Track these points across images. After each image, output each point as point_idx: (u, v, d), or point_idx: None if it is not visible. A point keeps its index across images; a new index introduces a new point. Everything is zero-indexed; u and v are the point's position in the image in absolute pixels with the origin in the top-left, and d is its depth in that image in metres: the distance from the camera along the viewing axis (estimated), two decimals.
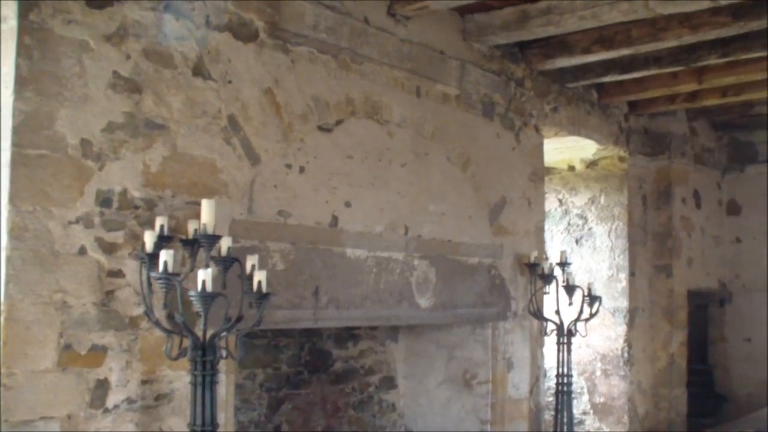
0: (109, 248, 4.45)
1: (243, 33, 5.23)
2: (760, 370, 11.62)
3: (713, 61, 7.96)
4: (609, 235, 10.03)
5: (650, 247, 10.43)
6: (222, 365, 4.75)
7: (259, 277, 4.62)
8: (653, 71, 8.33)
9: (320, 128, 5.75)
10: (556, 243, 10.17)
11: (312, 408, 7.08)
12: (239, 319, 4.56)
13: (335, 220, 5.81)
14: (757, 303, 11.76)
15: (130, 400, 4.53)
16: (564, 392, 8.07)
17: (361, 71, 6.11)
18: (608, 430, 9.99)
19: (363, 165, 6.07)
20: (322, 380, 7.17)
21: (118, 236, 4.49)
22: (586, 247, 10.15)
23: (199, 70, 4.94)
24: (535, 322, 7.92)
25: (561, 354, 8.02)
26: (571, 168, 10.21)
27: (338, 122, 5.89)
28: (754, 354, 11.73)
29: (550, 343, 8.16)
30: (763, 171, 11.82)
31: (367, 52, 6.13)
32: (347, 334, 7.38)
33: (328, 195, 5.77)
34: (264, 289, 4.61)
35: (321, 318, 5.74)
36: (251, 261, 4.71)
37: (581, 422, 10.09)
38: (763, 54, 7.78)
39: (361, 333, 7.50)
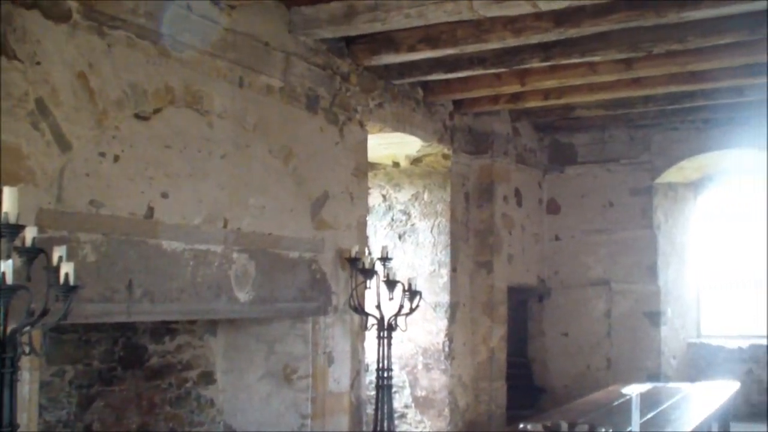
0: None
1: (54, 12, 4.97)
2: (577, 363, 12.11)
3: (535, 64, 8.21)
4: (432, 231, 10.19)
5: (472, 243, 10.66)
6: (25, 362, 4.52)
7: (67, 269, 4.40)
8: (478, 71, 8.51)
9: (137, 116, 5.56)
10: (379, 238, 10.25)
11: (126, 405, 6.85)
12: (44, 313, 4.32)
13: (151, 211, 5.63)
14: (573, 299, 12.24)
15: None
16: (384, 386, 8.12)
17: (182, 59, 5.95)
18: (430, 423, 10.14)
19: (181, 155, 5.91)
20: (137, 376, 6.95)
21: None
22: (409, 243, 10.28)
23: (2, 49, 4.65)
24: (356, 317, 7.94)
25: (381, 348, 8.07)
26: (396, 164, 10.31)
27: (156, 110, 5.71)
28: (571, 348, 12.20)
29: (371, 337, 8.19)
30: (582, 172, 12.32)
31: (189, 40, 6.00)
32: (164, 329, 7.19)
33: (144, 185, 5.59)
34: (72, 281, 4.40)
35: (135, 312, 5.58)
36: (58, 252, 4.48)
37: (403, 416, 10.21)
38: (582, 60, 8.08)
39: (179, 327, 7.32)
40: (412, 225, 10.31)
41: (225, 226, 6.31)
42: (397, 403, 10.01)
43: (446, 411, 10.11)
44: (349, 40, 7.79)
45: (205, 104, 6.15)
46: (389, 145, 9.71)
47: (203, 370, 7.61)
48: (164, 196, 5.75)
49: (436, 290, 10.13)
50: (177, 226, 5.85)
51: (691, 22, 7.19)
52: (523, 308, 12.45)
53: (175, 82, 5.88)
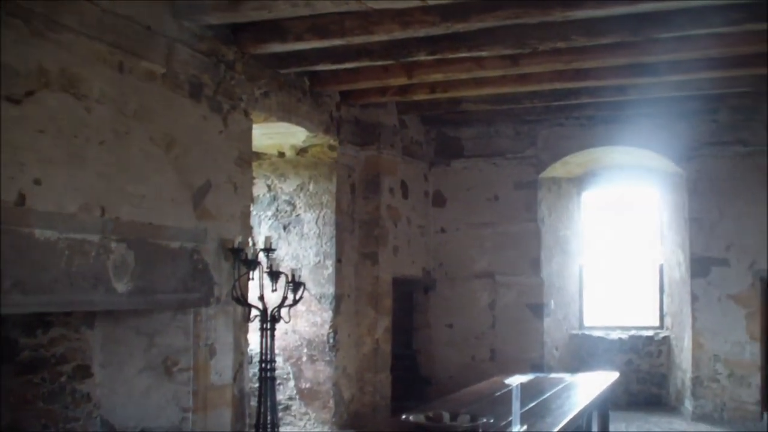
0: None
1: None
2: (461, 354, 12.24)
3: (423, 57, 8.25)
4: (317, 222, 10.14)
5: (357, 234, 10.65)
6: None
7: None
8: (365, 63, 8.51)
9: (7, 99, 5.31)
10: (264, 229, 10.16)
11: None
12: None
13: (22, 198, 5.39)
14: (458, 291, 12.37)
15: None
16: (268, 378, 8.01)
17: (58, 41, 5.72)
18: (314, 415, 10.10)
19: (56, 141, 5.68)
20: (6, 371, 6.68)
21: None
22: (294, 234, 10.21)
23: None
24: (239, 308, 7.83)
25: (265, 340, 7.96)
26: (281, 154, 10.22)
27: (28, 93, 5.46)
28: (456, 339, 12.33)
29: (254, 329, 8.09)
30: (468, 165, 12.44)
31: (66, 21, 5.77)
32: (37, 321, 6.92)
33: (14, 171, 5.33)
34: None
35: (4, 304, 5.33)
36: None
37: (287, 408, 10.16)
38: (468, 54, 8.14)
39: (53, 319, 7.06)
40: (297, 216, 10.25)
41: (102, 215, 6.10)
42: (282, 396, 9.96)
43: (331, 403, 10.09)
44: (236, 28, 7.66)
45: (83, 88, 5.93)
46: (274, 135, 9.62)
47: (79, 363, 7.35)
48: (37, 182, 5.51)
49: (321, 281, 10.09)
50: (51, 214, 5.62)
51: (576, 21, 7.33)
52: (408, 300, 12.51)
53: (50, 65, 5.64)
